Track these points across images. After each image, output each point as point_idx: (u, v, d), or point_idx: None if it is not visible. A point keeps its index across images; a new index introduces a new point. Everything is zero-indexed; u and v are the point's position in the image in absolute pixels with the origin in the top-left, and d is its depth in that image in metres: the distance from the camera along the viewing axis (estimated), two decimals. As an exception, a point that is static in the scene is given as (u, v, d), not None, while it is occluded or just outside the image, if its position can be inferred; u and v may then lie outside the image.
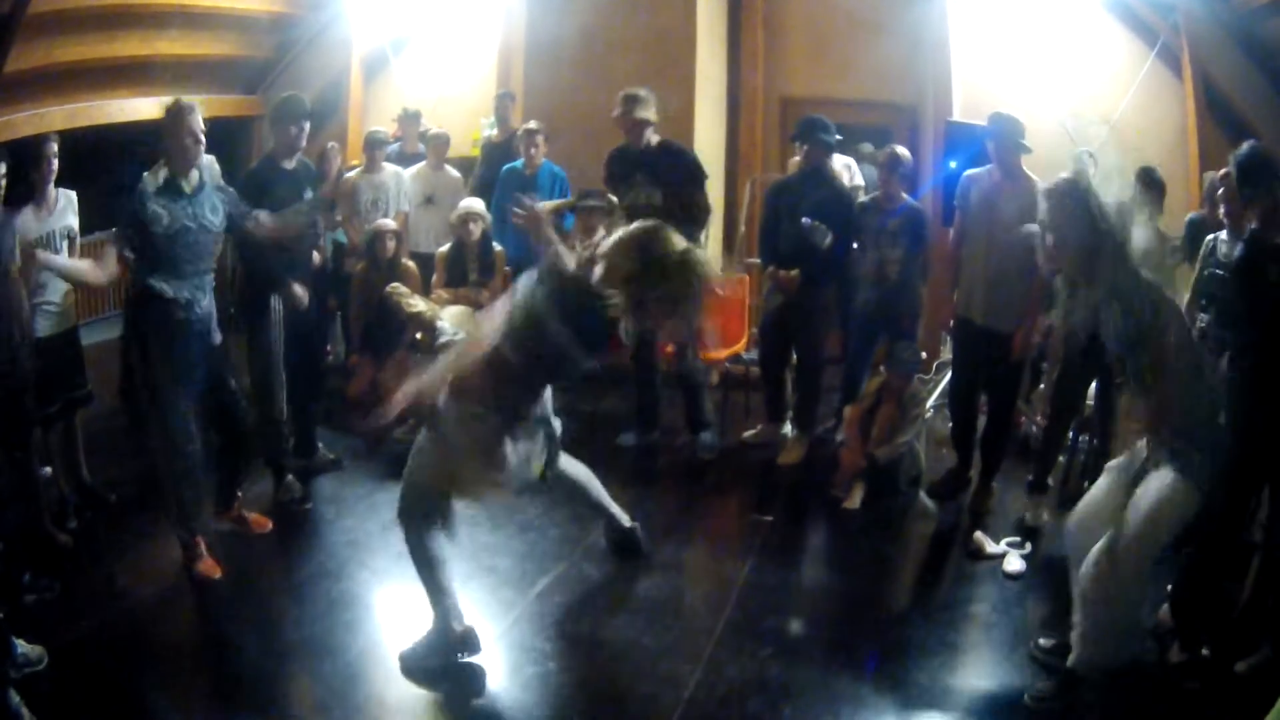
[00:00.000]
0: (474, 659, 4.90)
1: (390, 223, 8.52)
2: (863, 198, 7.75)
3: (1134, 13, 9.71)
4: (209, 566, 5.67)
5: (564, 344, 4.40)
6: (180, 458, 5.64)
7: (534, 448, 4.87)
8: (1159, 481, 4.29)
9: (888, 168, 7.24)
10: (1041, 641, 4.98)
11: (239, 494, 6.36)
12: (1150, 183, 5.84)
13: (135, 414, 6.63)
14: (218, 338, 5.87)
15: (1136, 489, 4.37)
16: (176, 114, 5.53)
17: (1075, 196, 4.22)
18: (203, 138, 5.59)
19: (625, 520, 5.87)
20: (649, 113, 7.23)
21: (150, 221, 5.45)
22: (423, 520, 4.86)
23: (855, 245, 7.44)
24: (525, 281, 4.62)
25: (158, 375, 5.58)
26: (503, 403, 4.61)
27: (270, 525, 6.40)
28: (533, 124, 8.96)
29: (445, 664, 4.86)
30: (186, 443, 5.65)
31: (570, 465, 5.45)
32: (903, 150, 7.32)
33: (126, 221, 5.53)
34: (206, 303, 5.74)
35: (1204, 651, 4.85)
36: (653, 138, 7.28)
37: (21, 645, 4.58)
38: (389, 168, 9.26)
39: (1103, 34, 9.82)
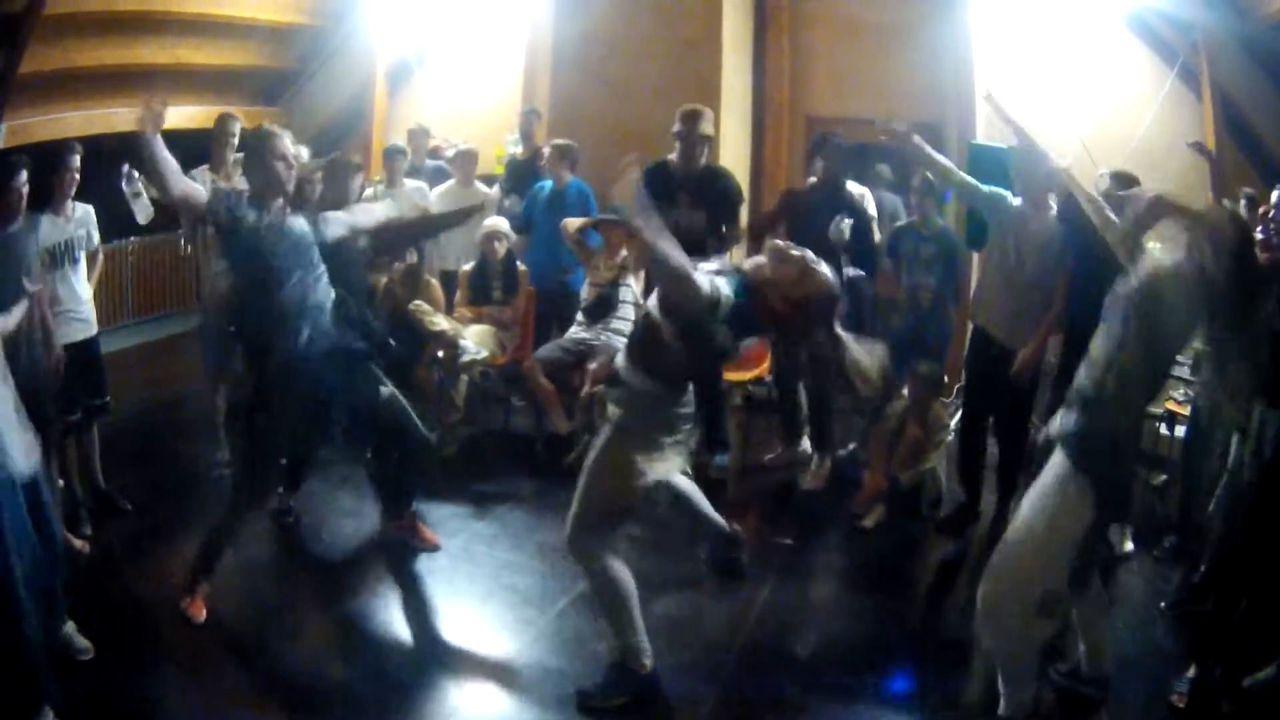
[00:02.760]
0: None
1: (410, 237, 8.50)
2: (900, 222, 7.70)
3: (1154, 31, 9.71)
4: (198, 607, 5.38)
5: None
6: (239, 521, 5.52)
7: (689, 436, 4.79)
8: (1051, 474, 4.26)
9: (921, 191, 7.21)
10: (1060, 666, 4.93)
11: (412, 505, 6.32)
12: (1128, 185, 5.79)
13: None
14: None
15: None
16: (264, 136, 5.39)
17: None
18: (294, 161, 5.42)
19: (727, 527, 5.80)
20: (711, 129, 7.20)
21: None
22: (604, 545, 4.68)
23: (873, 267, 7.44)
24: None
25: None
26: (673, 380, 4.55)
27: (439, 543, 6.36)
28: (561, 141, 8.88)
29: (627, 703, 4.76)
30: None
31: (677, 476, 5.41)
32: (946, 162, 7.28)
33: None
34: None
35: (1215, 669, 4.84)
36: (704, 158, 7.24)
37: (72, 630, 4.75)
38: (409, 182, 9.23)
39: (1124, 53, 9.82)
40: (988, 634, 4.44)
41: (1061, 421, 4.35)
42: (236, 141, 7.30)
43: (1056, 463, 4.29)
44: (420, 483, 6.33)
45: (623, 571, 4.72)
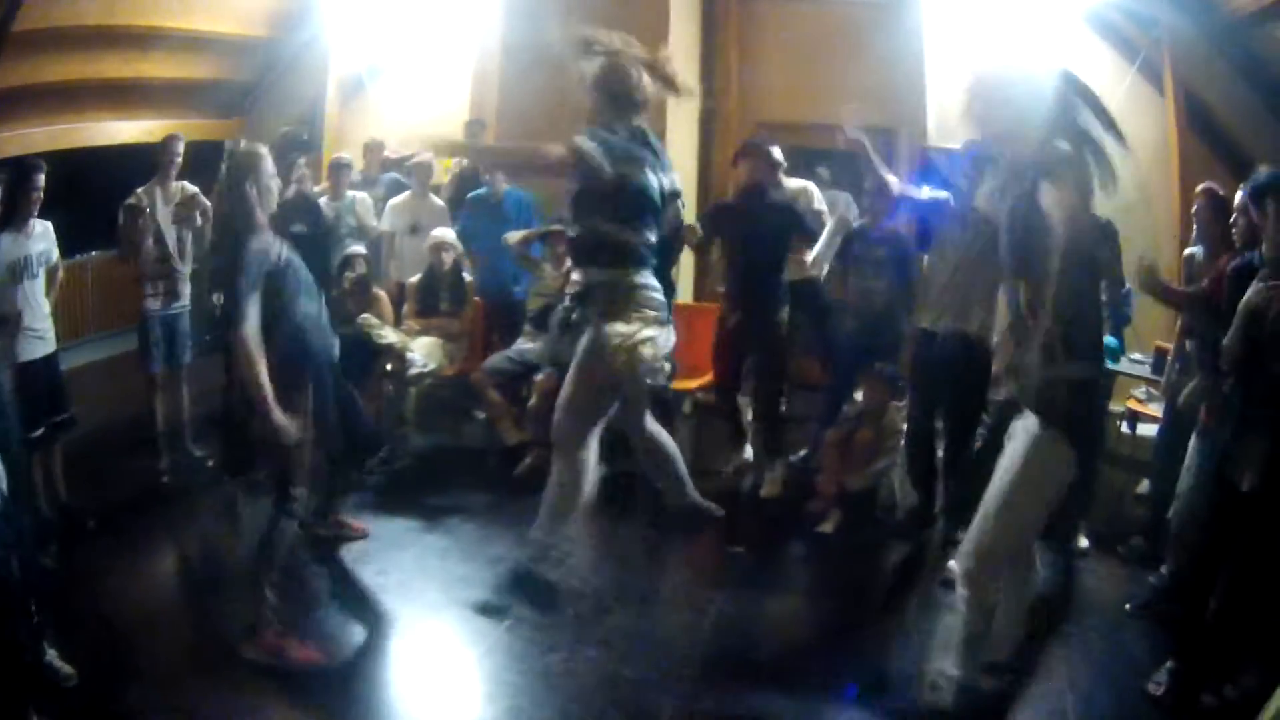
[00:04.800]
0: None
1: (360, 248, 8.45)
2: (855, 224, 7.67)
3: (1114, 27, 9.71)
4: (311, 654, 5.16)
5: None
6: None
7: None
8: (1023, 438, 4.21)
9: (873, 194, 7.19)
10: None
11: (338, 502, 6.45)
12: None
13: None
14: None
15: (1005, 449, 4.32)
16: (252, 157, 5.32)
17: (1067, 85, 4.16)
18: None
19: (702, 502, 5.92)
20: None
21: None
22: (583, 438, 5.10)
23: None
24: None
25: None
26: None
27: (368, 531, 6.55)
28: None
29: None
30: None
31: (660, 432, 5.52)
32: (890, 177, 7.26)
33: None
34: None
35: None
36: None
37: (54, 658, 4.66)
38: (351, 194, 9.24)
39: (1083, 50, 9.80)
40: (968, 603, 4.40)
41: (1011, 387, 4.36)
42: (180, 161, 7.40)
43: (1022, 427, 4.26)
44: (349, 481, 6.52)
45: (586, 473, 5.04)
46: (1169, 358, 6.62)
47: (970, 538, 4.37)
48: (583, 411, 5.14)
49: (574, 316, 5.20)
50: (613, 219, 5.04)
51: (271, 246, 5.10)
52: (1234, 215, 5.23)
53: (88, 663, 4.85)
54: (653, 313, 5.12)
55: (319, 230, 7.31)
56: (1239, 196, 5.13)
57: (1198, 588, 4.88)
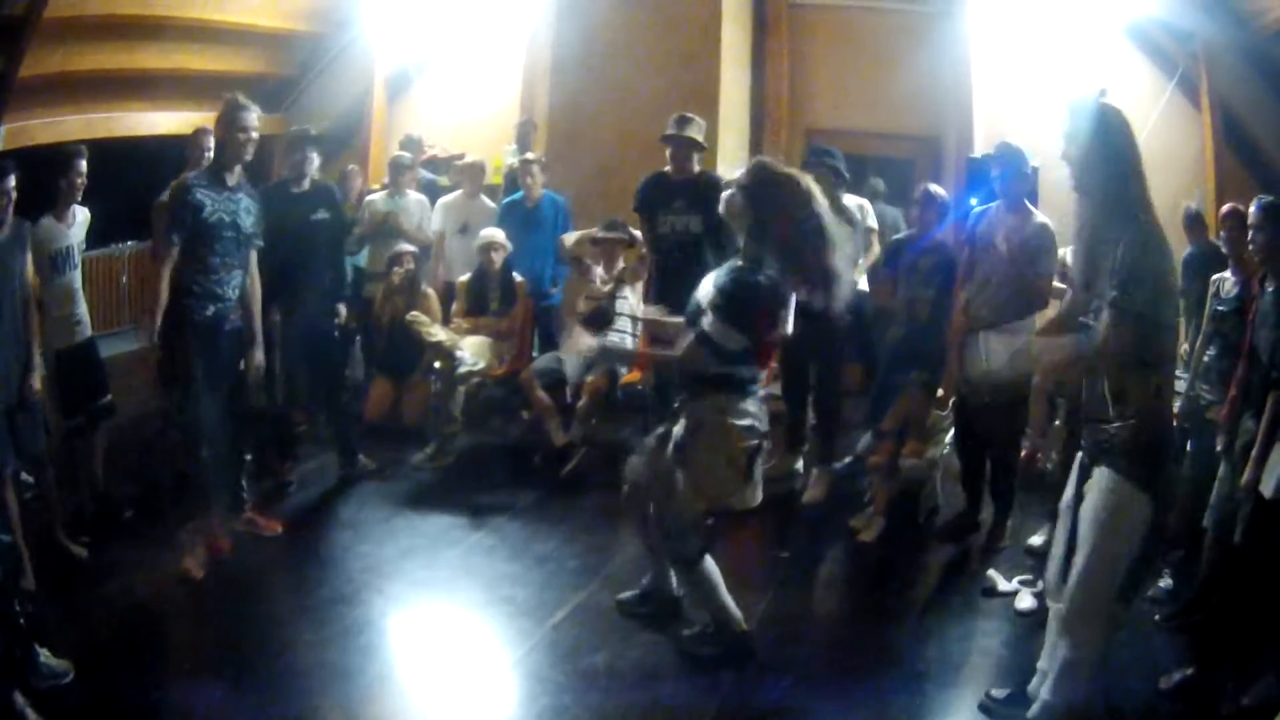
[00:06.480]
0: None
1: (409, 245, 8.49)
2: (898, 235, 7.70)
3: (1154, 41, 9.70)
4: (191, 565, 5.83)
5: None
6: (203, 454, 5.89)
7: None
8: (1098, 490, 4.17)
9: (921, 204, 7.20)
10: (993, 693, 4.84)
11: (245, 496, 6.57)
12: None
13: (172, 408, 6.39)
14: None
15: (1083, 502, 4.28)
16: (233, 108, 5.78)
17: (1111, 117, 4.18)
18: (255, 135, 5.87)
19: (674, 588, 5.77)
20: (700, 136, 7.27)
21: (194, 208, 5.67)
22: (700, 554, 5.07)
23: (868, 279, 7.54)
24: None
25: (190, 369, 5.71)
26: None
27: (280, 528, 6.62)
28: (529, 155, 9.01)
29: (716, 653, 5.14)
30: (211, 440, 5.88)
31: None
32: (936, 188, 7.26)
33: (174, 209, 5.72)
34: (235, 302, 5.97)
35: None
36: (696, 164, 7.29)
37: (45, 656, 4.63)
38: (412, 194, 9.26)
39: (1123, 64, 9.81)
40: (1071, 647, 4.33)
41: (1093, 440, 4.29)
42: (211, 155, 7.39)
43: (1102, 477, 4.20)
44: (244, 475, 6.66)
45: (711, 567, 5.09)
46: (1191, 370, 6.55)
47: (1067, 596, 4.32)
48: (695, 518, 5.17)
49: None
50: None
51: (209, 201, 5.74)
52: (1251, 231, 5.26)
53: (107, 655, 4.95)
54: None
55: (337, 218, 7.38)
56: (1254, 208, 5.19)
57: (1225, 595, 4.90)
